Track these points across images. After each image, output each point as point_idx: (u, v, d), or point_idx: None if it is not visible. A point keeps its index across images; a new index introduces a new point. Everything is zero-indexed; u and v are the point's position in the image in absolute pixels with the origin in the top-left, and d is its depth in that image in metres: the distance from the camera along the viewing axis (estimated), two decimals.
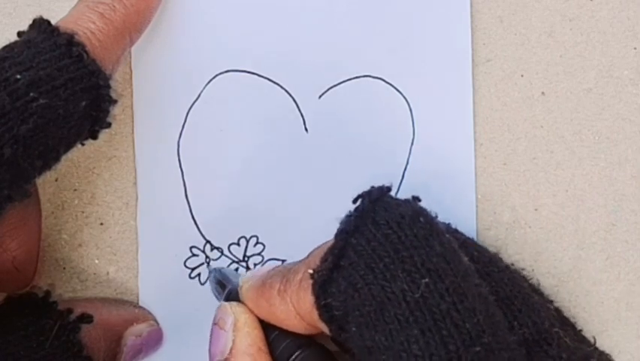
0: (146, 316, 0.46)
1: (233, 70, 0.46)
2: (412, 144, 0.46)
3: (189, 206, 0.46)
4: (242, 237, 0.46)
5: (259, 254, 0.46)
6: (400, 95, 0.46)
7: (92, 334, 0.42)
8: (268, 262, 0.46)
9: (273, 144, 0.47)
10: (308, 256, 0.38)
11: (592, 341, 0.41)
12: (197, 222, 0.46)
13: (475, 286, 0.34)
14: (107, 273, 0.47)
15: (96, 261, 0.47)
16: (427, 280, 0.33)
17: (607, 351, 0.46)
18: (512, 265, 0.41)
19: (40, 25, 0.38)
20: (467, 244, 0.39)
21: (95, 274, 0.47)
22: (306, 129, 0.47)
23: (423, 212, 0.36)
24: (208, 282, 0.46)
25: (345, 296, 0.34)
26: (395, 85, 0.46)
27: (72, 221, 0.46)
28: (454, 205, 0.46)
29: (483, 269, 0.38)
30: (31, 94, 0.36)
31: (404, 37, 0.46)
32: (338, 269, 0.35)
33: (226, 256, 0.46)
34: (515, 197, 0.47)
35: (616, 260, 0.47)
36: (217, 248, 0.46)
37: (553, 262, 0.47)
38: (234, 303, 0.40)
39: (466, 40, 0.46)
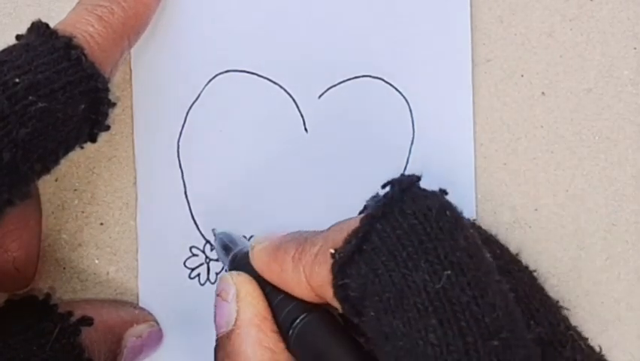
0: (146, 316, 0.46)
1: (233, 70, 0.46)
2: (412, 144, 0.46)
3: (189, 206, 0.46)
4: (242, 237, 0.46)
5: None
6: (399, 95, 0.46)
7: (93, 336, 0.42)
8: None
9: (272, 144, 0.47)
10: (328, 229, 0.37)
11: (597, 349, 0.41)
12: (197, 223, 0.46)
13: (495, 282, 0.34)
14: (107, 273, 0.47)
15: (96, 261, 0.47)
16: (449, 272, 0.33)
17: (607, 351, 0.46)
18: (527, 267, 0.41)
19: (38, 28, 0.38)
20: (490, 241, 0.39)
21: (95, 274, 0.47)
22: (305, 129, 0.47)
23: (449, 206, 0.36)
24: (214, 245, 0.46)
25: (364, 280, 0.34)
26: (395, 85, 0.46)
27: (72, 221, 0.47)
28: None
29: (504, 266, 0.38)
30: (30, 97, 0.36)
31: (404, 37, 0.46)
32: (360, 252, 0.34)
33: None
34: (515, 197, 0.47)
35: (616, 260, 0.47)
36: None
37: (553, 262, 0.47)
38: (235, 273, 0.40)
39: (466, 40, 0.46)
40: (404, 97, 0.46)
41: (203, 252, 0.46)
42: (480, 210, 0.46)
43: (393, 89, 0.46)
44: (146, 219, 0.46)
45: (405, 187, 0.36)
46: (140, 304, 0.46)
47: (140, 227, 0.47)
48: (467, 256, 0.33)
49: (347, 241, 0.35)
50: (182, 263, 0.46)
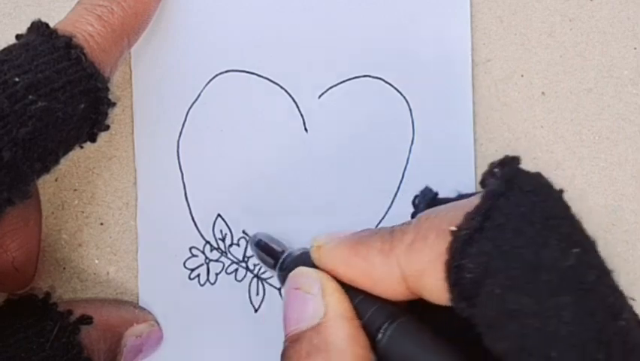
0: (146, 316, 0.46)
1: (233, 70, 0.46)
2: (412, 143, 0.46)
3: (189, 206, 0.46)
4: (242, 237, 0.46)
5: None
6: (399, 95, 0.46)
7: (92, 335, 0.42)
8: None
9: (272, 144, 0.47)
10: (416, 220, 0.36)
11: None
12: (197, 223, 0.46)
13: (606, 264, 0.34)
14: (107, 273, 0.47)
15: (96, 261, 0.47)
16: (577, 250, 0.32)
17: None
18: None
19: (38, 27, 0.38)
20: None
21: (95, 274, 0.47)
22: (305, 129, 0.47)
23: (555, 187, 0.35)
24: (252, 247, 0.44)
25: (486, 258, 0.33)
26: (395, 85, 0.46)
27: (72, 221, 0.47)
28: None
29: None
30: (30, 97, 0.36)
31: (404, 38, 0.46)
32: (480, 230, 0.34)
33: (226, 257, 0.46)
34: None
35: (616, 260, 0.46)
36: (217, 249, 0.46)
37: None
38: (315, 270, 0.38)
39: (466, 40, 0.46)
40: (404, 97, 0.46)
41: (203, 253, 0.46)
42: None
43: (393, 89, 0.46)
44: (146, 220, 0.46)
45: (516, 165, 0.36)
46: (140, 304, 0.46)
47: (140, 227, 0.47)
48: (585, 235, 0.33)
49: (469, 218, 0.34)
50: (182, 264, 0.46)
